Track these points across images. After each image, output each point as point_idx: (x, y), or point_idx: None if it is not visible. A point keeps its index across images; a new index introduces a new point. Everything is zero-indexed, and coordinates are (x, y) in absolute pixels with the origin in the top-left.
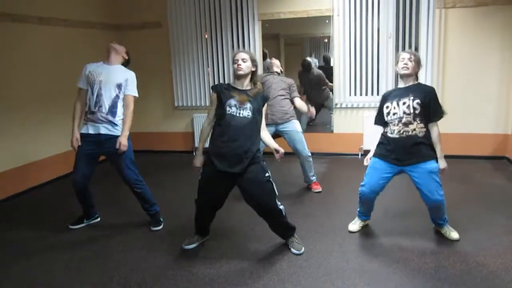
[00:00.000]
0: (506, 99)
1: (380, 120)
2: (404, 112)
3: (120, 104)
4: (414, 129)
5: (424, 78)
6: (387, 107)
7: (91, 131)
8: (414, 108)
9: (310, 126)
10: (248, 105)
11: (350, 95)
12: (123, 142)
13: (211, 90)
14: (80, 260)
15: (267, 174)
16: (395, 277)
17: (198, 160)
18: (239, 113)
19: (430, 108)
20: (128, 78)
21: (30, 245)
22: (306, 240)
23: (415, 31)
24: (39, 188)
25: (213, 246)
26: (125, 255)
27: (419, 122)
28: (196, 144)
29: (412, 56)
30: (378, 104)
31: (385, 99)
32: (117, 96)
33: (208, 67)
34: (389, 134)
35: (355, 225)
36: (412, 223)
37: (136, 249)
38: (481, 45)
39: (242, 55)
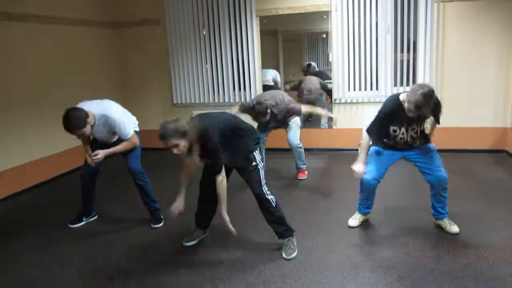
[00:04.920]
0: (505, 92)
1: (376, 133)
2: (411, 137)
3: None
4: (418, 139)
5: (423, 72)
6: (395, 130)
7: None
8: (421, 130)
9: (309, 121)
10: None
11: (349, 90)
12: (100, 156)
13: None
14: (81, 257)
15: (253, 163)
16: (396, 271)
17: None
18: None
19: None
20: (114, 130)
21: (30, 243)
22: (306, 235)
23: (413, 25)
24: (39, 187)
25: (214, 243)
26: (126, 252)
27: (421, 132)
28: None
29: (419, 110)
30: (376, 115)
31: (389, 118)
32: (115, 133)
33: (207, 64)
34: (392, 138)
35: (355, 220)
36: (411, 217)
37: (137, 246)
38: (480, 38)
39: (169, 142)
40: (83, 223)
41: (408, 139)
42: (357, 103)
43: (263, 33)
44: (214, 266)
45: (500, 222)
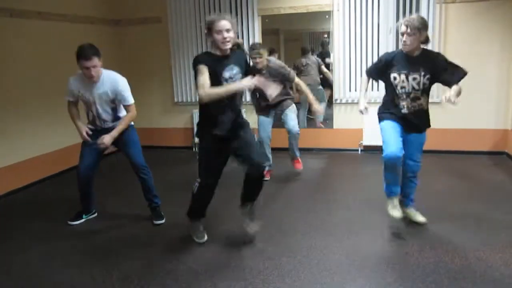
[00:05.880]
0: (506, 95)
1: (375, 74)
2: (413, 88)
3: (122, 107)
4: (421, 104)
5: None
6: (395, 78)
7: (98, 128)
8: (424, 84)
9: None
10: (237, 69)
11: (350, 90)
12: (107, 141)
13: (198, 64)
14: (80, 254)
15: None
16: (395, 272)
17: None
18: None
19: (447, 74)
20: (116, 90)
21: (30, 240)
22: (306, 235)
23: None
24: (39, 183)
25: (212, 242)
26: (126, 249)
27: (426, 96)
28: (197, 140)
29: (410, 30)
30: (375, 63)
31: (388, 64)
32: (115, 107)
33: None
34: (399, 108)
35: (395, 207)
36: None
37: (137, 243)
38: (481, 40)
39: (226, 24)
40: (83, 220)
41: (410, 90)
42: (358, 103)
43: (264, 32)
44: (213, 265)
45: (500, 224)
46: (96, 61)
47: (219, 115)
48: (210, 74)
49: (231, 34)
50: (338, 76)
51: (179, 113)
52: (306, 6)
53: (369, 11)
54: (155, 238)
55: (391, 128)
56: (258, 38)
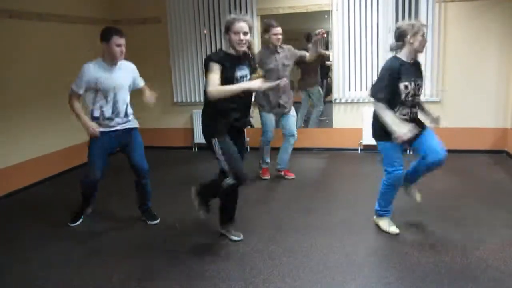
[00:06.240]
0: (506, 93)
1: (389, 95)
2: (415, 94)
3: (129, 102)
4: (416, 110)
5: (424, 71)
6: (406, 87)
7: (106, 130)
8: (420, 89)
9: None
10: (247, 70)
11: (349, 90)
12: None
13: (210, 61)
14: (80, 256)
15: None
16: (395, 271)
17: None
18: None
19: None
20: (133, 72)
21: (30, 242)
22: (306, 235)
23: None
24: (38, 185)
25: (213, 242)
26: (125, 250)
27: (419, 100)
28: (197, 140)
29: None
30: (386, 81)
31: (399, 72)
32: (128, 98)
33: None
34: (398, 115)
35: (393, 225)
36: (410, 218)
37: (136, 244)
38: (481, 39)
39: (244, 27)
40: (81, 220)
41: (413, 96)
42: (357, 103)
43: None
44: (213, 265)
45: (500, 222)
46: (124, 40)
47: (231, 111)
48: (222, 72)
49: (247, 37)
50: (337, 76)
51: (179, 113)
52: (305, 6)
53: (368, 10)
54: (154, 239)
55: (397, 147)
56: (257, 38)
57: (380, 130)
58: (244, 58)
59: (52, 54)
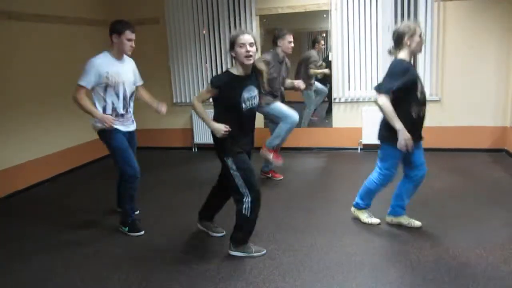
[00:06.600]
0: (505, 92)
1: (406, 95)
2: (423, 92)
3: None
4: (425, 107)
5: (423, 71)
6: (418, 85)
7: (122, 129)
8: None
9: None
10: (255, 91)
11: (349, 89)
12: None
13: (210, 84)
14: (81, 257)
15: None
16: (395, 270)
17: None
18: (252, 105)
19: None
20: (134, 68)
21: (31, 243)
22: (306, 235)
23: None
24: (39, 185)
25: (213, 242)
26: (126, 252)
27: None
28: (196, 140)
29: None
30: (403, 78)
31: (413, 73)
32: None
33: (206, 63)
34: (412, 114)
35: (372, 216)
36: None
37: (136, 246)
38: (480, 37)
39: (249, 39)
40: (142, 232)
41: (423, 88)
42: (357, 102)
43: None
44: (214, 265)
45: (500, 221)
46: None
47: (238, 137)
48: (227, 95)
49: (253, 49)
50: (336, 75)
51: (178, 113)
52: (304, 6)
53: (367, 10)
54: (155, 240)
55: (399, 152)
56: (257, 38)
57: (388, 131)
58: (252, 78)
59: (51, 55)
